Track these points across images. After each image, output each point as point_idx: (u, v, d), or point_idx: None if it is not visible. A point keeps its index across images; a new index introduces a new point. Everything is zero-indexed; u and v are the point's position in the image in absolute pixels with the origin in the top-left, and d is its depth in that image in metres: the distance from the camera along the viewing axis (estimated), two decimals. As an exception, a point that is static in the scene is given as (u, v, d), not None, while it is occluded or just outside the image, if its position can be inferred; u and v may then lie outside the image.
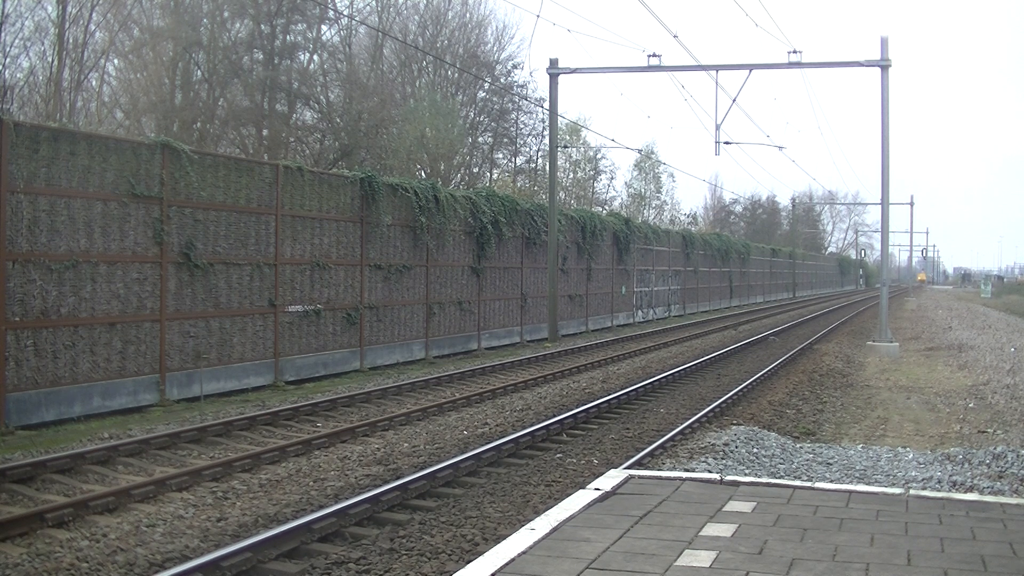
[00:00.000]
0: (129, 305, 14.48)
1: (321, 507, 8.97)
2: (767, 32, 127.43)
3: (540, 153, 46.95)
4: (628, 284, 38.00)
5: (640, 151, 60.38)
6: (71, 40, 28.47)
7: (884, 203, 28.46)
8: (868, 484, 9.32)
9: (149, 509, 9.11)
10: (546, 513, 6.40)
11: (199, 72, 32.36)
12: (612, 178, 68.37)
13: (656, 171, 65.32)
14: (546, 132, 40.99)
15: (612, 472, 7.91)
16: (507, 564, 5.22)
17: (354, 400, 15.75)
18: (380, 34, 36.13)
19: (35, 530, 8.28)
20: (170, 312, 15.20)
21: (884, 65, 26.89)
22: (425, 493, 9.82)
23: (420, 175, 37.16)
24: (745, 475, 9.87)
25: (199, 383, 15.56)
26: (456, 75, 41.07)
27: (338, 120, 36.13)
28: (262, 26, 33.15)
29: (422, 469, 10.47)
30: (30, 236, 12.92)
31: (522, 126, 46.71)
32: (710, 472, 9.69)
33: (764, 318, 45.35)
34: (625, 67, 30.91)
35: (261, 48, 33.56)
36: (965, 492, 9.14)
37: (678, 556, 5.39)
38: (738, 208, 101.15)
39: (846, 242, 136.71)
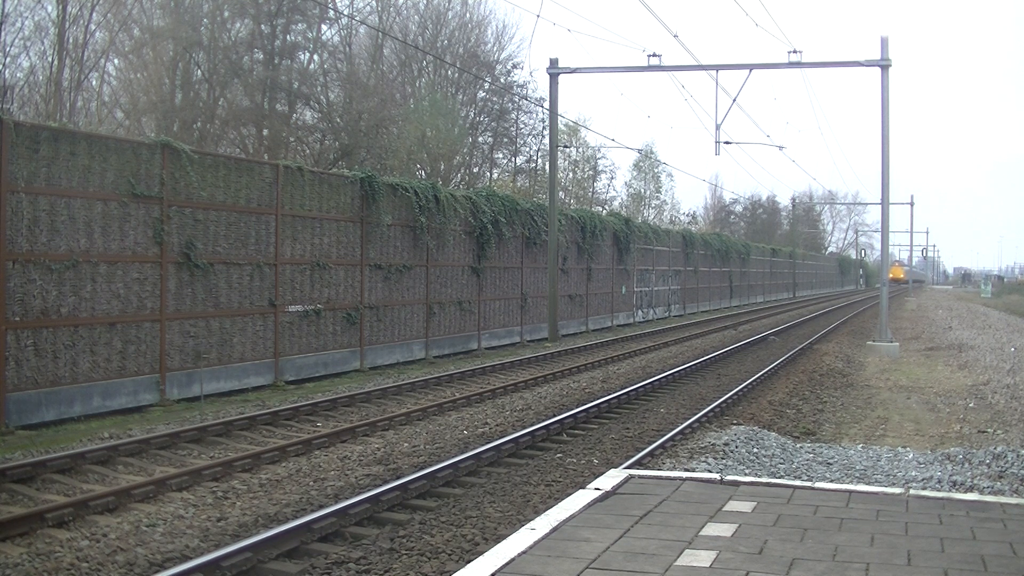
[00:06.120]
0: (129, 305, 14.48)
1: (321, 507, 8.97)
2: (767, 32, 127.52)
3: (540, 153, 46.99)
4: (628, 284, 37.99)
5: (640, 151, 60.43)
6: (71, 40, 28.47)
7: (884, 203, 28.47)
8: (868, 484, 9.32)
9: (149, 509, 9.11)
10: (546, 513, 6.39)
11: (199, 72, 32.34)
12: (612, 178, 68.46)
13: (656, 171, 65.35)
14: (546, 132, 41.04)
15: (612, 472, 7.91)
16: (507, 564, 5.22)
17: (354, 400, 15.75)
18: (380, 34, 36.13)
19: (35, 530, 8.28)
20: (170, 312, 15.20)
21: (884, 65, 26.90)
22: (425, 493, 9.83)
23: (420, 175, 37.16)
24: (745, 475, 9.87)
25: (199, 383, 15.55)
26: (456, 75, 41.05)
27: (338, 120, 36.12)
28: (262, 26, 33.13)
29: (422, 469, 10.47)
30: (30, 236, 12.92)
31: (522, 126, 46.76)
32: (710, 472, 9.69)
33: (764, 318, 45.35)
34: (625, 67, 30.90)
35: (261, 48, 33.55)
36: (965, 492, 9.14)
37: (678, 556, 5.39)
38: (738, 208, 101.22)
39: (846, 242, 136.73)
